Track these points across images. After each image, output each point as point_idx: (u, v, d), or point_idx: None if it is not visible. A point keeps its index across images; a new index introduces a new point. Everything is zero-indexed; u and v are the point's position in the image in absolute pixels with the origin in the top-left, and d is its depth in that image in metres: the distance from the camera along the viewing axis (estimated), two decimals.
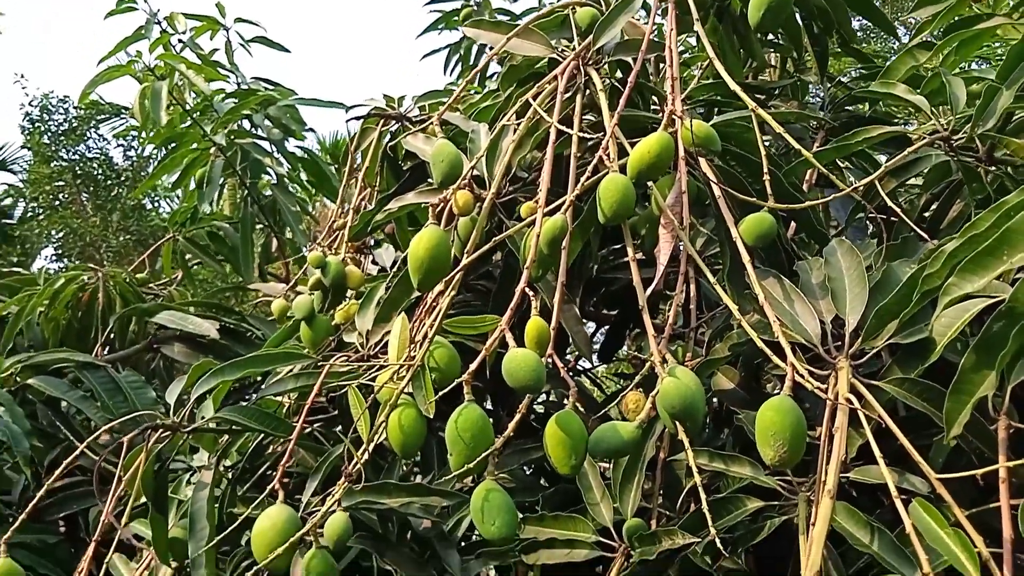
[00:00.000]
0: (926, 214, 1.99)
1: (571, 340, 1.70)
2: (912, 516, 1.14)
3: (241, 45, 4.64)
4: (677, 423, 1.25)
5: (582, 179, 1.44)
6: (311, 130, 3.90)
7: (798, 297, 1.43)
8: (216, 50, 4.62)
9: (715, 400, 1.98)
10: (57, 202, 18.72)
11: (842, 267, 1.44)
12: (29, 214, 18.27)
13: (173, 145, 4.04)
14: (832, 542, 1.44)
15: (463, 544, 1.87)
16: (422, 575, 1.76)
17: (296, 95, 4.20)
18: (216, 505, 1.97)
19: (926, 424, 1.42)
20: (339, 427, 2.02)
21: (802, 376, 1.22)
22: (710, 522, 1.16)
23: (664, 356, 1.36)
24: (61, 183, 18.73)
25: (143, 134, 4.54)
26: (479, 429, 1.25)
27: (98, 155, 19.30)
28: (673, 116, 1.47)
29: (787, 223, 2.06)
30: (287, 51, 4.60)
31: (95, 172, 19.22)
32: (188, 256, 4.39)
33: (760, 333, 1.35)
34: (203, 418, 1.81)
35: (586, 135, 1.52)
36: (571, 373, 2.96)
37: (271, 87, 4.39)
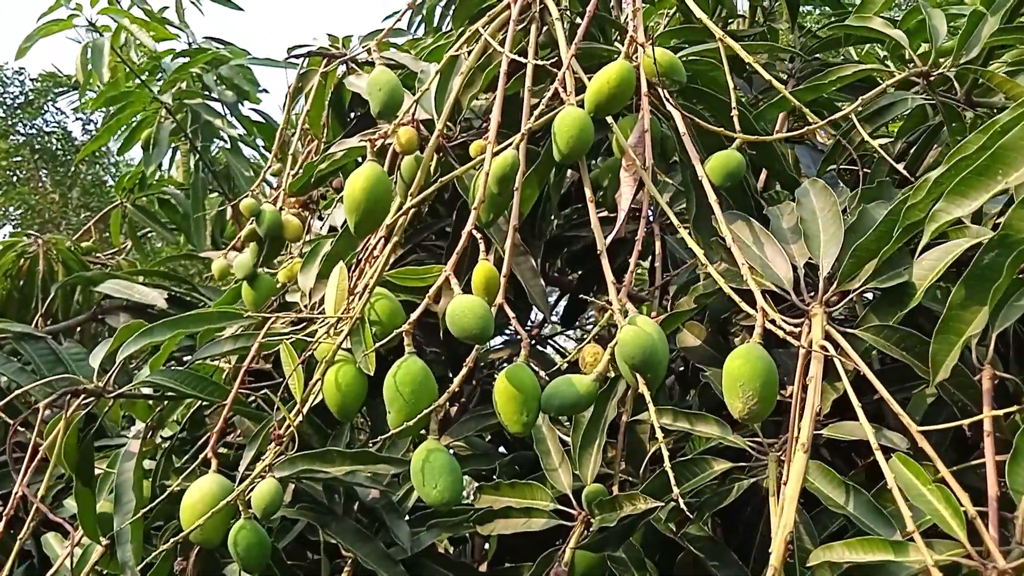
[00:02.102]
0: (900, 164, 1.89)
1: (527, 294, 1.58)
2: (892, 472, 1.04)
3: (192, 3, 4.45)
4: (637, 376, 1.14)
5: (535, 112, 1.31)
6: (265, 91, 3.72)
7: (768, 240, 1.32)
8: (166, 8, 4.43)
9: (680, 360, 1.87)
10: (15, 178, 18.21)
11: (815, 208, 1.33)
12: None
13: (120, 107, 3.85)
14: (804, 505, 1.35)
15: (413, 515, 1.75)
16: (368, 548, 1.64)
17: (250, 55, 4.01)
18: (149, 478, 1.85)
19: (904, 376, 1.33)
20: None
21: (773, 323, 1.11)
22: (674, 485, 1.05)
23: (624, 306, 1.24)
24: (19, 159, 18.21)
25: (85, 95, 4.32)
26: (420, 383, 1.13)
27: (56, 129, 18.78)
28: (635, 44, 1.34)
29: (756, 174, 1.95)
30: (240, 9, 4.41)
31: (53, 147, 18.70)
32: (138, 224, 4.22)
33: (728, 281, 1.24)
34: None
35: (543, 64, 1.39)
36: (532, 342, 2.86)
37: (223, 47, 4.20)
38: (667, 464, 1.08)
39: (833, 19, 2.45)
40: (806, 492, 1.60)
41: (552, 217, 2.08)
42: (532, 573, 1.55)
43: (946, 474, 1.02)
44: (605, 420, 1.59)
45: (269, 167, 2.02)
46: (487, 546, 2.13)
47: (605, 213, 1.99)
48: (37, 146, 18.61)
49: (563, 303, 2.76)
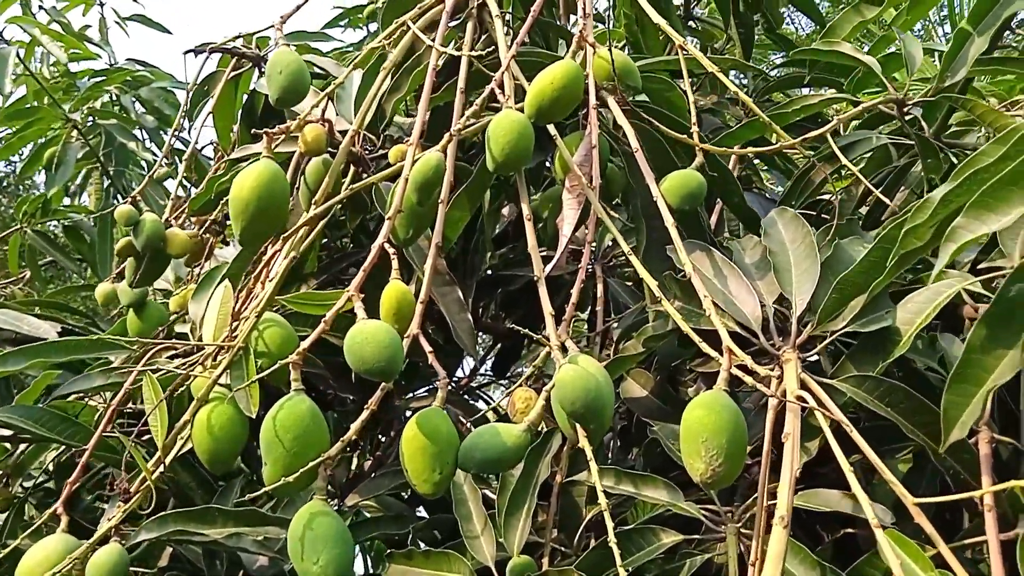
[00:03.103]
0: (862, 209, 1.76)
1: (452, 331, 1.36)
2: (889, 554, 0.85)
3: (117, 23, 4.21)
4: (577, 426, 0.93)
5: (468, 112, 1.11)
6: (208, 158, 3.47)
7: (732, 273, 1.13)
8: (88, 27, 4.18)
9: (623, 414, 1.67)
10: None
11: (784, 239, 1.15)
12: None
13: (25, 123, 3.55)
14: None
15: None
16: None
17: (174, 79, 3.77)
18: None
19: (883, 436, 1.15)
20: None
21: (743, 368, 0.92)
22: (618, 559, 0.83)
23: (563, 343, 1.04)
24: None
25: None
26: (306, 428, 0.90)
27: None
28: (583, 44, 1.17)
29: (709, 210, 1.79)
30: (167, 32, 4.17)
31: None
32: (40, 253, 3.88)
33: (685, 320, 1.05)
34: None
35: (478, 63, 1.20)
36: (461, 394, 2.62)
37: (146, 69, 3.94)
38: (611, 534, 0.86)
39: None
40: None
41: (486, 252, 1.88)
42: None
43: (949, 557, 0.83)
44: (536, 480, 1.37)
45: (154, 171, 1.78)
46: None
47: (545, 252, 1.80)
48: None
49: (495, 353, 2.54)
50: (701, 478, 0.88)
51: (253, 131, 1.11)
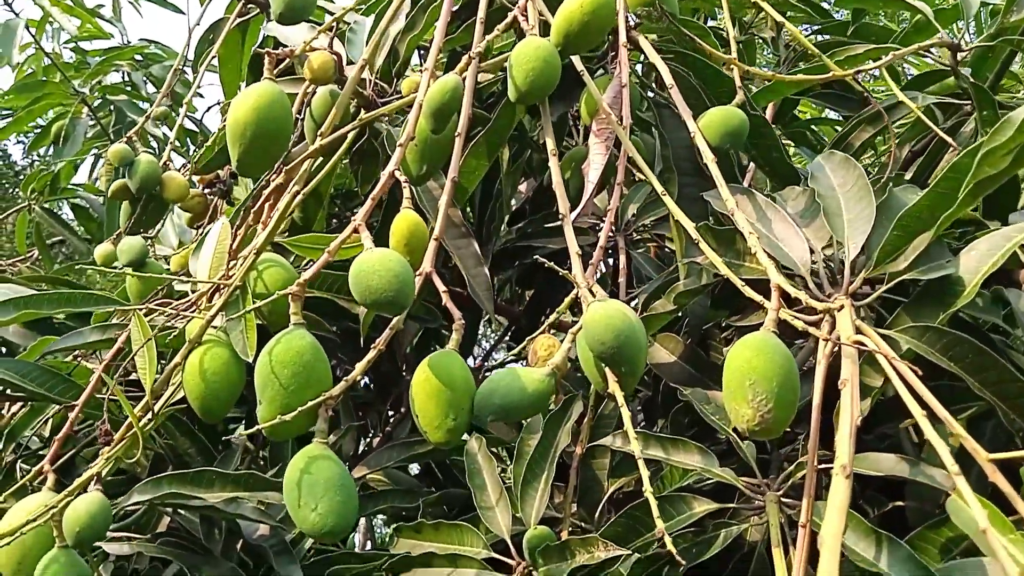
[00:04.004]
0: (908, 174, 1.65)
1: (468, 286, 1.27)
2: (956, 517, 0.75)
3: (130, 2, 4.15)
4: (608, 370, 0.84)
5: (488, 36, 1.02)
6: (200, 95, 3.39)
7: (777, 216, 1.03)
8: (101, 5, 4.12)
9: (648, 383, 1.57)
10: None
11: (834, 183, 1.05)
12: None
13: (35, 99, 3.48)
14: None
15: (310, 559, 1.40)
16: None
17: (185, 57, 3.69)
18: None
19: (940, 399, 1.05)
20: None
21: (797, 307, 0.82)
22: (657, 518, 0.74)
23: (591, 287, 0.94)
24: None
25: None
26: (306, 365, 0.81)
27: None
28: None
29: (742, 172, 1.69)
30: (180, 12, 4.10)
31: None
32: (48, 231, 3.82)
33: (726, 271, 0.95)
34: None
35: None
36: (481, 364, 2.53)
37: (158, 48, 3.88)
38: (648, 490, 0.76)
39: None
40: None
41: (503, 218, 1.78)
42: None
43: None
44: (555, 448, 1.28)
45: (153, 109, 1.69)
46: None
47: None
48: None
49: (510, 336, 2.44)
50: (748, 425, 0.78)
51: (254, 50, 1.02)
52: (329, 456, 0.80)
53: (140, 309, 1.02)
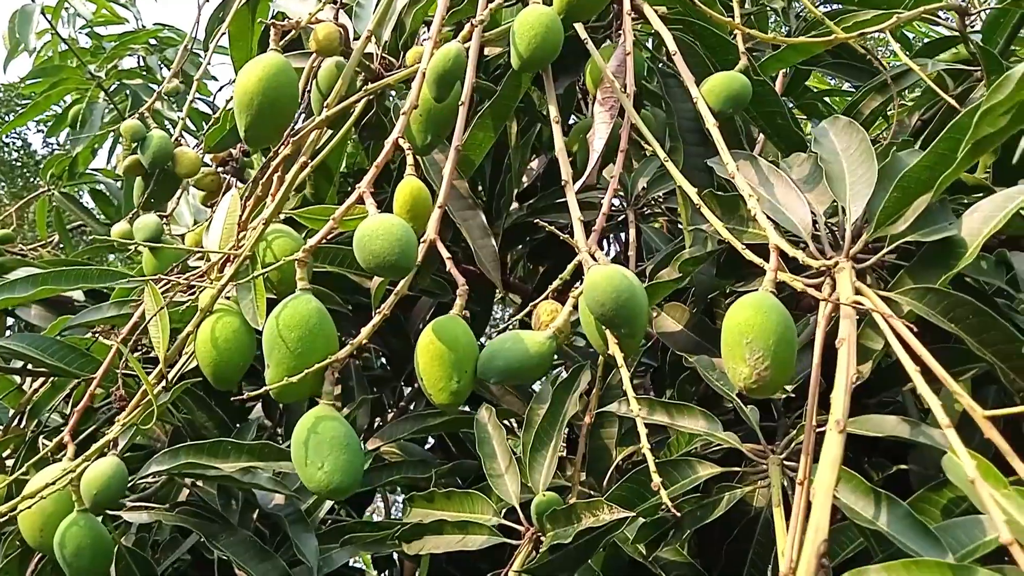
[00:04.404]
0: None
1: (475, 257, 1.28)
2: (950, 473, 0.76)
3: None
4: (608, 332, 0.85)
5: (491, 5, 1.03)
6: (214, 78, 3.41)
7: (780, 180, 1.04)
8: None
9: (655, 352, 1.58)
10: None
11: (837, 147, 1.05)
12: None
13: (51, 84, 3.52)
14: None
15: (324, 528, 1.43)
16: (266, 567, 1.32)
17: (199, 41, 3.71)
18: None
19: (942, 361, 1.05)
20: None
21: (795, 267, 0.83)
22: (655, 476, 0.75)
23: (593, 253, 0.96)
24: None
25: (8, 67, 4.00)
26: (312, 329, 0.83)
27: (16, 140, 18.25)
28: None
29: (752, 143, 1.69)
30: None
31: (12, 160, 18.14)
32: (68, 216, 3.87)
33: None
34: None
35: None
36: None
37: (173, 33, 3.90)
38: (646, 449, 0.78)
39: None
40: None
41: (513, 192, 1.79)
42: None
43: (1022, 470, 0.73)
44: (563, 417, 1.30)
45: (164, 86, 1.71)
46: (418, 574, 1.81)
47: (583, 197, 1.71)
48: None
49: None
50: (745, 383, 0.79)
51: (259, 20, 1.03)
52: (335, 417, 0.82)
53: (153, 280, 1.05)
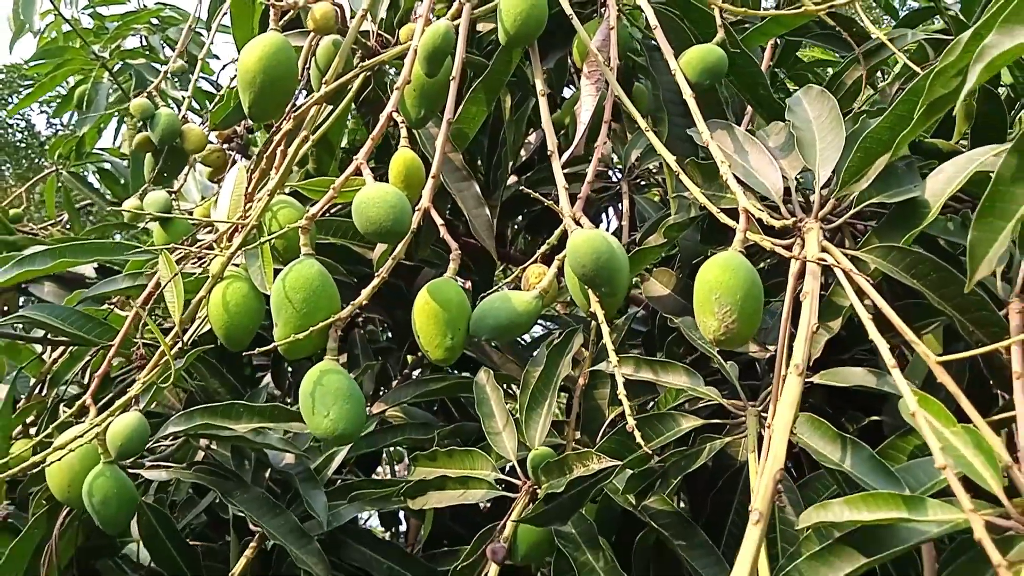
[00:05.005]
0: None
1: (470, 226, 1.35)
2: (901, 412, 0.83)
3: None
4: (591, 292, 0.92)
5: None
6: (216, 57, 3.46)
7: (754, 148, 1.10)
8: None
9: (645, 319, 1.65)
10: None
11: (810, 116, 1.11)
12: None
13: (56, 65, 3.57)
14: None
15: (333, 486, 1.51)
16: (278, 521, 1.39)
17: (201, 20, 3.75)
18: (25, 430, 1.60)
19: (910, 315, 1.12)
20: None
21: (761, 226, 0.89)
22: (633, 426, 0.82)
23: (578, 219, 1.02)
24: None
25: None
26: (315, 290, 0.90)
27: (19, 122, 18.29)
28: None
29: (740, 114, 1.74)
30: None
31: (16, 141, 18.20)
32: (76, 196, 3.94)
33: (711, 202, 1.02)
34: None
35: None
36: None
37: (175, 11, 3.94)
38: (622, 395, 0.85)
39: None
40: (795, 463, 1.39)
41: (509, 164, 1.85)
42: (469, 552, 1.31)
43: (976, 417, 0.80)
44: (557, 378, 1.37)
45: (170, 67, 1.78)
46: (423, 532, 1.89)
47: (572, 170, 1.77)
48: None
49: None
50: (714, 335, 0.86)
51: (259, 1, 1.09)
52: (339, 370, 0.89)
53: (167, 249, 1.12)
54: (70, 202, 3.85)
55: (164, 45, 3.69)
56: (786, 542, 1.05)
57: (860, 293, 0.91)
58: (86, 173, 3.98)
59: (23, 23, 3.27)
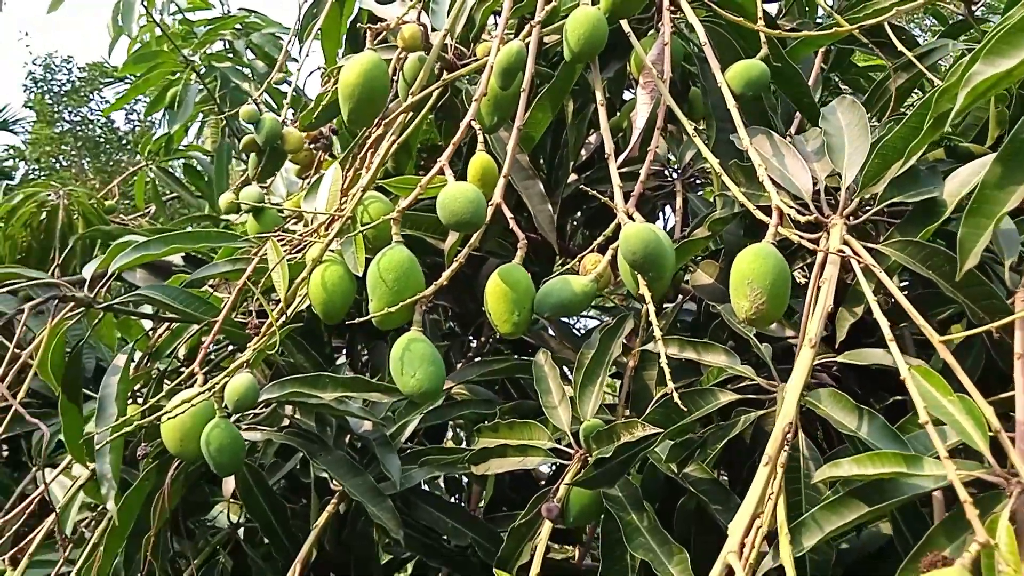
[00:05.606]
0: None
1: (534, 221, 1.50)
2: (912, 385, 0.95)
3: None
4: (639, 278, 1.06)
5: (548, 7, 1.24)
6: (295, 60, 3.67)
7: (790, 153, 1.23)
8: None
9: (693, 311, 1.79)
10: (58, 165, 18.50)
11: (841, 124, 1.24)
12: (31, 176, 17.98)
13: (149, 67, 3.84)
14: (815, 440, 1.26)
15: (405, 453, 1.68)
16: (358, 480, 1.57)
17: (281, 26, 3.99)
18: (140, 400, 1.81)
19: (928, 303, 1.24)
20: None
21: (793, 223, 1.03)
22: (668, 378, 0.97)
23: (631, 214, 1.17)
24: (65, 147, 18.50)
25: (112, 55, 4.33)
26: (405, 271, 1.06)
27: (100, 118, 19.08)
28: None
29: (787, 123, 1.86)
30: None
31: (96, 136, 18.98)
32: (163, 189, 4.21)
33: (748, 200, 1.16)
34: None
35: None
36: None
37: (257, 17, 4.17)
38: (666, 371, 0.99)
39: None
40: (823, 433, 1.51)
41: (570, 164, 2.00)
42: (526, 511, 1.47)
43: (969, 385, 0.92)
44: (609, 357, 1.51)
45: (272, 76, 1.97)
46: (484, 499, 2.06)
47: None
48: (80, 133, 18.92)
49: None
50: (746, 315, 1.00)
51: (357, 26, 1.26)
52: (423, 339, 1.05)
53: (274, 236, 1.30)
54: (158, 195, 4.13)
55: (247, 49, 3.93)
56: (810, 504, 1.18)
57: (880, 283, 1.04)
58: (173, 168, 4.26)
59: (121, 29, 3.54)
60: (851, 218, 1.14)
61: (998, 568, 0.83)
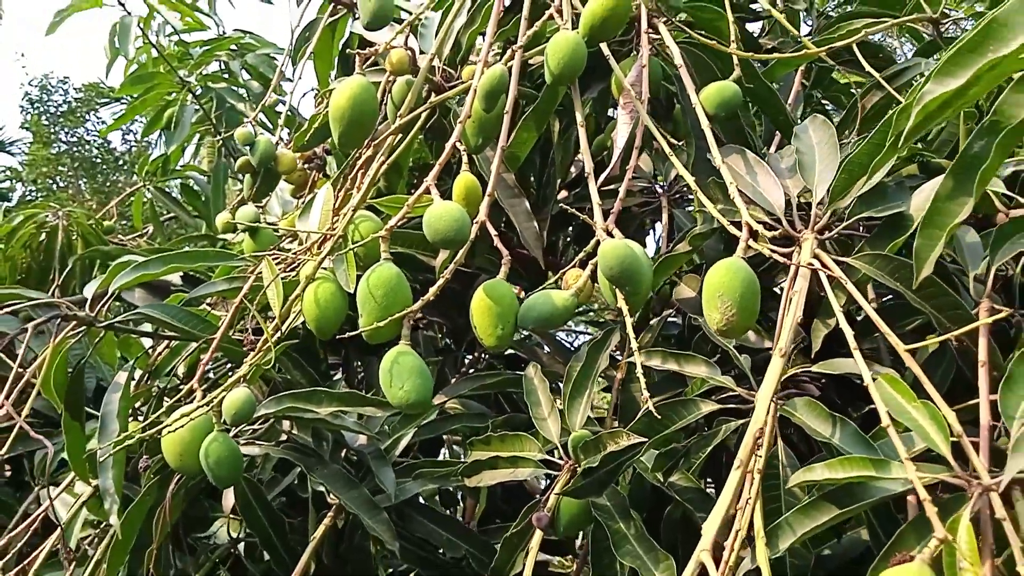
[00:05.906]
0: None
1: (520, 237, 1.55)
2: (878, 391, 1.00)
3: None
4: (618, 293, 1.11)
5: (530, 32, 1.29)
6: (289, 79, 3.73)
7: (763, 170, 1.28)
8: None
9: (676, 323, 1.83)
10: (55, 185, 18.59)
11: (812, 142, 1.29)
12: (28, 198, 18.04)
13: (146, 88, 3.90)
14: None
15: (399, 466, 1.72)
16: (354, 494, 1.61)
17: (276, 46, 4.05)
18: (140, 418, 1.84)
19: (896, 315, 1.29)
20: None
21: (757, 238, 1.07)
22: (643, 387, 1.01)
23: (610, 231, 1.21)
24: (62, 167, 18.60)
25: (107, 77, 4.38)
26: (393, 288, 1.11)
27: (96, 138, 19.19)
28: None
29: (768, 141, 1.92)
30: (270, 2, 4.46)
31: (93, 156, 19.08)
32: (161, 209, 4.26)
33: (724, 215, 1.21)
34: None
35: None
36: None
37: (252, 38, 4.24)
38: (642, 381, 1.03)
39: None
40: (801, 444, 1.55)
41: (557, 182, 2.05)
42: (518, 521, 1.51)
43: (933, 392, 0.97)
44: (596, 370, 1.55)
45: (266, 100, 2.02)
46: (478, 511, 2.09)
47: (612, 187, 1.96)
48: (77, 154, 19.03)
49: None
50: (717, 327, 1.04)
51: (347, 50, 1.30)
52: (411, 352, 1.10)
53: (269, 255, 1.34)
54: (155, 215, 4.17)
55: (242, 69, 3.98)
56: (788, 508, 1.22)
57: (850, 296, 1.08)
58: (170, 189, 4.30)
59: (118, 51, 3.60)
60: (823, 232, 1.19)
61: (959, 566, 0.87)
